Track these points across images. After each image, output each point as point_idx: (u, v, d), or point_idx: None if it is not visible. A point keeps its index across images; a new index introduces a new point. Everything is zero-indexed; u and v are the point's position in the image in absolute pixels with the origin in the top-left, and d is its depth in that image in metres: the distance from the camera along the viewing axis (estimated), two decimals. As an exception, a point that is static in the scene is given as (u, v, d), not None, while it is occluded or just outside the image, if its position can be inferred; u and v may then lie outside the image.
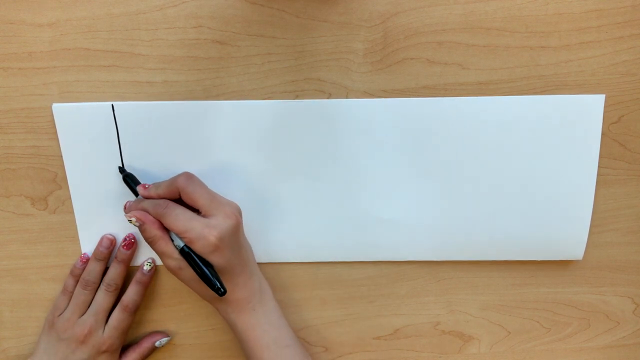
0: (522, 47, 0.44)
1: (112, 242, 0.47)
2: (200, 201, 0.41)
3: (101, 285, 0.47)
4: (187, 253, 0.40)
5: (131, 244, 0.47)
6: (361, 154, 0.46)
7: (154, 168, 0.46)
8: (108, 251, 0.47)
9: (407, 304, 0.51)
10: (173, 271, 0.42)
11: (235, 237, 0.41)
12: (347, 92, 0.45)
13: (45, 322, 0.48)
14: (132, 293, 0.47)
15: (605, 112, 0.45)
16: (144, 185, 0.43)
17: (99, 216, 0.47)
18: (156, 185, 0.43)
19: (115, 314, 0.47)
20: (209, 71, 0.44)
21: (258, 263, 0.48)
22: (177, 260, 0.41)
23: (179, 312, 0.51)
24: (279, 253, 0.49)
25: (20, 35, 0.43)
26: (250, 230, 0.48)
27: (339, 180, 0.46)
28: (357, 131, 0.45)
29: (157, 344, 0.50)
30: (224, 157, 0.46)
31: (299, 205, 0.47)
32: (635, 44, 0.44)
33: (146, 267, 0.48)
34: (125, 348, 0.49)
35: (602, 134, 0.45)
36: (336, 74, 0.44)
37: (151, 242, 0.42)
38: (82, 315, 0.46)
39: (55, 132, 0.45)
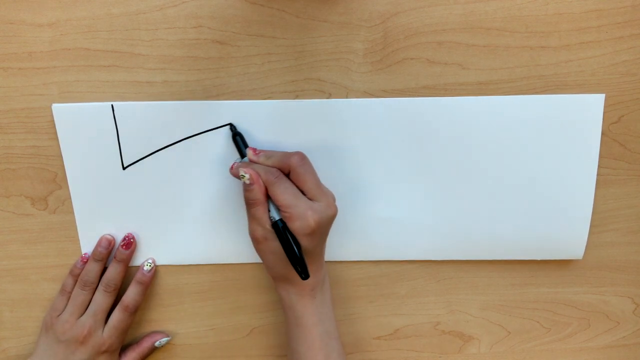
0: (522, 47, 0.44)
1: (111, 242, 0.47)
2: (308, 184, 0.41)
3: (99, 286, 0.47)
4: (280, 227, 0.40)
5: (130, 243, 0.47)
6: (361, 153, 0.46)
7: (154, 168, 0.46)
8: (107, 251, 0.47)
9: (407, 304, 0.51)
10: (256, 239, 0.41)
11: (328, 226, 0.42)
12: (347, 92, 0.45)
13: (43, 323, 0.48)
14: (132, 293, 0.47)
15: (605, 112, 0.45)
16: (254, 150, 0.43)
17: (99, 216, 0.47)
18: (267, 154, 0.43)
19: (115, 314, 0.47)
20: (209, 71, 0.44)
21: (257, 264, 0.49)
22: (265, 231, 0.41)
23: (179, 312, 0.51)
24: (279, 253, 0.49)
25: (20, 35, 0.43)
26: (248, 230, 0.48)
27: (338, 180, 0.46)
28: (357, 131, 0.45)
29: (157, 344, 0.50)
30: (223, 157, 0.46)
31: (299, 205, 0.47)
32: (635, 44, 0.44)
33: (146, 267, 0.48)
34: (124, 348, 0.49)
35: (602, 134, 0.45)
36: (336, 74, 0.44)
37: (251, 204, 0.41)
38: (81, 316, 0.46)
39: (55, 132, 0.45)
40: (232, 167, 0.43)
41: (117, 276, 0.47)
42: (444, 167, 0.46)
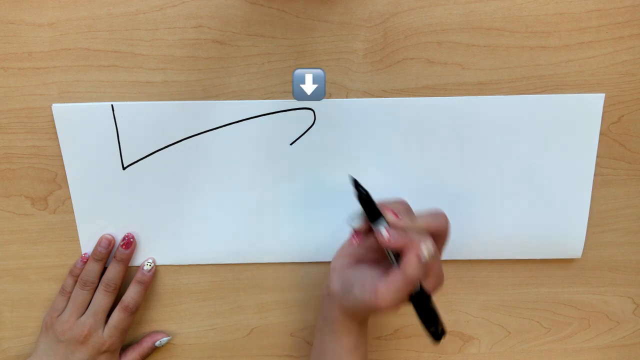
0: (522, 47, 0.44)
1: (111, 242, 0.47)
2: (444, 246, 0.39)
3: (100, 285, 0.47)
4: (421, 298, 0.37)
5: (130, 243, 0.47)
6: (361, 153, 0.46)
7: (154, 168, 0.46)
8: (107, 251, 0.47)
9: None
10: (391, 304, 0.35)
11: None
12: (347, 92, 0.45)
13: (43, 323, 0.48)
14: (132, 293, 0.47)
15: (605, 111, 0.45)
16: (396, 215, 0.37)
17: (99, 216, 0.47)
18: (410, 217, 0.38)
19: (115, 314, 0.47)
20: (209, 71, 0.44)
21: (257, 264, 0.49)
22: (403, 300, 0.36)
23: (179, 312, 0.51)
24: (280, 253, 0.49)
25: (20, 35, 0.43)
26: (251, 230, 0.48)
27: (339, 180, 0.46)
28: (357, 131, 0.45)
29: (157, 343, 0.50)
30: (223, 157, 0.46)
31: (299, 205, 0.47)
32: (635, 44, 0.44)
33: (146, 267, 0.48)
34: (125, 348, 0.49)
35: (602, 133, 0.45)
36: (336, 74, 0.44)
37: (417, 279, 0.35)
38: (81, 315, 0.46)
39: (55, 132, 0.45)
40: (388, 237, 0.36)
41: (117, 276, 0.47)
42: (443, 166, 0.46)
